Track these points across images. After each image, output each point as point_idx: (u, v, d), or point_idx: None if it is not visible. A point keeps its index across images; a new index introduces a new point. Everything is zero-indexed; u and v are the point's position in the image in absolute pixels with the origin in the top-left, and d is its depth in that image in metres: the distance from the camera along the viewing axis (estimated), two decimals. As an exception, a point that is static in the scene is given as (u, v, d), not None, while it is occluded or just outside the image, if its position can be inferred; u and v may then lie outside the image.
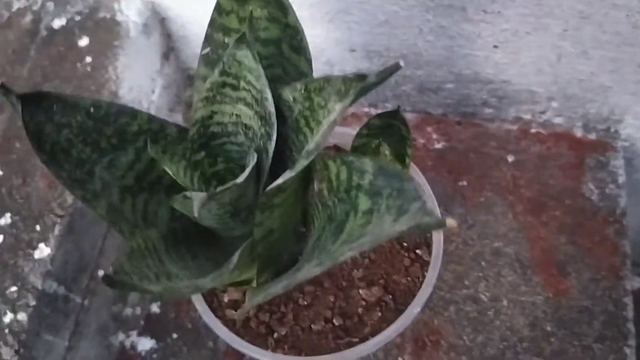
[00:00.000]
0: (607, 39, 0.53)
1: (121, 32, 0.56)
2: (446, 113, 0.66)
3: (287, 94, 0.35)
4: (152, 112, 0.60)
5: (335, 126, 0.31)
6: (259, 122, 0.37)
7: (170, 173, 0.37)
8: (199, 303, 0.45)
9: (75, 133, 0.35)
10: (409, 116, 0.66)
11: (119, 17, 0.56)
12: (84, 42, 0.55)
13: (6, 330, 0.44)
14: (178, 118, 0.67)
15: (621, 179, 0.63)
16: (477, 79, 0.60)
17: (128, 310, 0.58)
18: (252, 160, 0.33)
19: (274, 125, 0.36)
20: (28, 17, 0.59)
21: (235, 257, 0.33)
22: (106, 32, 0.56)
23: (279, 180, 0.32)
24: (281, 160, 0.38)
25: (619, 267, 0.59)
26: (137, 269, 0.32)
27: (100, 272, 0.27)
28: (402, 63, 0.29)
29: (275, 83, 0.38)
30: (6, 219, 0.48)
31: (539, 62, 0.57)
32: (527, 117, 0.64)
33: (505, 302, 0.57)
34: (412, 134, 0.63)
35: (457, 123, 0.66)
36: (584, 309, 0.57)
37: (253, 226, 0.34)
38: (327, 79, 0.33)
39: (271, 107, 0.35)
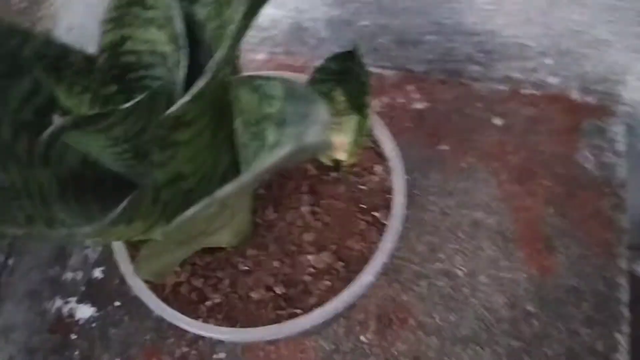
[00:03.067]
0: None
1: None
2: (429, 71, 0.60)
3: (199, 11, 0.30)
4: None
5: (242, 38, 0.26)
6: (172, 47, 0.31)
7: (67, 107, 0.31)
8: (122, 263, 0.40)
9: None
10: (388, 73, 0.60)
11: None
12: (20, -24, 0.50)
13: None
14: None
15: (621, 147, 0.56)
16: (460, 29, 0.54)
17: (68, 275, 0.53)
18: (140, 98, 0.27)
19: (185, 49, 0.30)
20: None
21: (121, 206, 0.27)
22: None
23: (174, 108, 0.26)
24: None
25: (614, 243, 0.52)
26: (2, 208, 0.26)
27: None
28: None
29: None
30: None
31: (527, 10, 0.50)
32: (518, 75, 0.58)
33: (482, 278, 0.51)
34: (391, 93, 0.57)
35: (441, 82, 0.60)
36: (571, 289, 0.51)
37: (151, 167, 0.29)
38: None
39: (179, 27, 0.30)
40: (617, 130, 0.57)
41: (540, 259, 0.52)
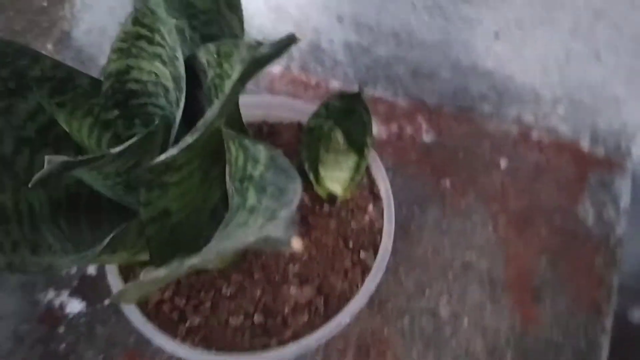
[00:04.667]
0: (624, 43, 0.46)
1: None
2: (441, 104, 0.59)
3: (202, 55, 0.30)
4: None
5: (236, 99, 0.26)
6: (173, 85, 0.32)
7: (68, 130, 0.32)
8: (110, 275, 0.41)
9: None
10: (400, 102, 0.60)
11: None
12: (45, -27, 0.51)
13: None
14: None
15: (623, 204, 0.56)
16: (476, 69, 0.54)
17: (63, 268, 0.54)
18: (132, 140, 0.28)
19: (183, 91, 0.30)
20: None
21: (106, 240, 0.28)
22: (71, -35, 0.51)
23: (162, 157, 0.27)
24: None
25: (601, 302, 0.52)
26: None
27: None
28: (300, 37, 0.23)
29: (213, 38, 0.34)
30: None
31: (545, 60, 0.50)
32: (530, 119, 0.57)
33: (465, 322, 0.52)
34: (401, 122, 0.57)
35: (452, 116, 0.60)
36: (552, 343, 0.51)
37: (139, 205, 0.29)
38: (237, 44, 0.27)
39: (181, 69, 0.30)
40: (623, 185, 0.57)
41: (525, 309, 0.52)
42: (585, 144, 0.58)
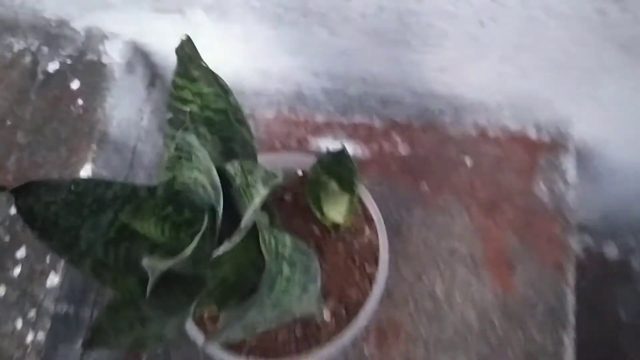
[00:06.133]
0: (543, 64, 0.58)
1: (107, 74, 0.63)
2: (410, 122, 0.72)
3: (229, 169, 0.43)
4: (142, 136, 0.68)
5: (260, 205, 0.39)
6: (210, 187, 0.44)
7: (138, 229, 0.45)
8: (189, 326, 0.54)
9: (60, 207, 0.43)
10: (377, 124, 0.73)
11: (104, 59, 0.63)
12: (75, 85, 0.63)
13: (28, 350, 0.53)
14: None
15: (571, 178, 0.69)
16: (432, 94, 0.66)
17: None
18: (196, 239, 0.40)
19: (220, 192, 0.43)
20: (27, 58, 0.66)
21: (191, 309, 0.41)
22: (94, 75, 0.63)
23: (219, 252, 0.39)
24: (235, 212, 0.45)
25: (563, 261, 0.66)
26: (113, 323, 0.40)
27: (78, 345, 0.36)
28: (280, 177, 0.35)
29: (227, 143, 0.46)
30: (22, 252, 0.57)
31: (484, 82, 0.62)
32: (484, 122, 0.70)
33: (458, 298, 0.65)
34: (380, 140, 0.70)
35: (421, 129, 0.72)
36: (528, 302, 0.64)
37: (201, 285, 0.42)
38: (255, 165, 0.40)
39: (216, 179, 0.43)
40: (568, 163, 0.69)
41: (503, 279, 0.65)
42: (532, 134, 0.70)
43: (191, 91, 0.47)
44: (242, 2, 0.55)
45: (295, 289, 0.36)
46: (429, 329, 0.64)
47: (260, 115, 0.75)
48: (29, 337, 0.55)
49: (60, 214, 0.43)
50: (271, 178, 0.37)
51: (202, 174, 0.45)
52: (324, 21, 0.55)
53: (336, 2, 0.53)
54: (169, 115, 0.48)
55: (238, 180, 0.42)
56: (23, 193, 0.41)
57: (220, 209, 0.43)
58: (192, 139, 0.42)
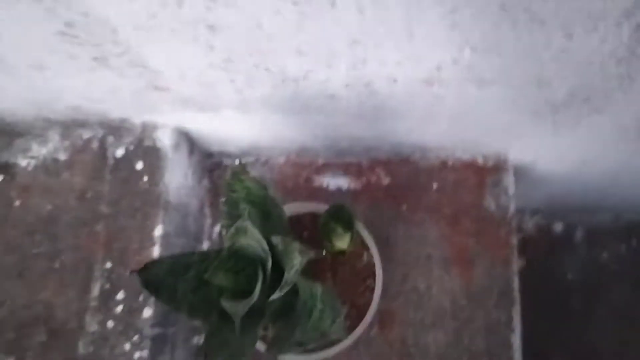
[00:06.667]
0: (480, 122, 0.80)
1: (162, 156, 0.84)
2: (389, 158, 0.94)
3: (273, 239, 0.65)
4: (189, 192, 0.90)
5: (300, 268, 0.62)
6: (261, 250, 0.67)
7: (211, 280, 0.68)
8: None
9: (164, 274, 0.66)
10: (364, 163, 0.95)
11: (158, 144, 0.85)
12: (139, 166, 0.84)
13: (138, 363, 0.77)
14: (205, 182, 0.96)
15: (510, 191, 0.92)
16: (404, 144, 0.88)
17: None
18: (257, 288, 0.63)
19: (269, 253, 0.66)
20: (95, 144, 0.88)
21: (259, 330, 0.64)
22: (153, 157, 0.85)
23: (273, 297, 0.62)
24: (279, 268, 0.68)
25: (509, 256, 0.89)
26: (211, 346, 0.64)
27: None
28: (312, 255, 0.58)
29: (266, 215, 0.69)
30: (121, 294, 0.80)
31: (441, 133, 0.85)
32: (444, 156, 0.93)
33: (435, 289, 0.89)
34: (367, 175, 0.93)
35: (397, 163, 0.95)
36: (486, 288, 0.88)
37: (262, 315, 0.66)
38: (292, 241, 0.63)
39: (265, 245, 0.65)
40: (508, 180, 0.93)
41: (466, 273, 0.89)
42: (480, 162, 0.93)
43: (240, 186, 0.69)
44: (260, 104, 0.77)
45: (328, 320, 0.59)
46: (416, 314, 0.88)
47: (274, 162, 0.98)
48: (137, 355, 0.78)
49: (164, 278, 0.66)
50: (307, 253, 0.60)
51: (254, 241, 0.68)
52: (321, 112, 0.77)
53: (329, 101, 0.75)
54: (225, 207, 0.71)
55: (280, 247, 0.65)
56: (142, 270, 0.64)
57: (269, 264, 0.67)
58: (248, 223, 0.65)
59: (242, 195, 0.70)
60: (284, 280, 0.62)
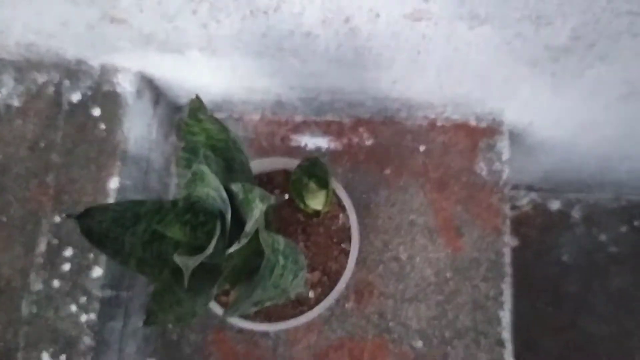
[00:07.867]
0: (471, 76, 0.73)
1: (122, 102, 0.76)
2: (373, 118, 0.87)
3: (233, 188, 0.58)
4: (153, 146, 0.82)
5: (261, 216, 0.54)
6: (219, 200, 0.59)
7: (166, 233, 0.60)
8: (212, 304, 0.70)
9: (108, 223, 0.58)
10: (345, 121, 0.87)
11: (118, 89, 0.77)
12: (96, 112, 0.77)
13: (85, 327, 0.69)
14: (172, 139, 0.89)
15: (505, 157, 0.84)
16: (388, 98, 0.81)
17: (158, 290, 0.83)
18: (213, 241, 0.56)
19: (228, 203, 0.58)
20: (50, 89, 0.80)
21: (213, 290, 0.57)
22: (111, 103, 0.77)
23: (231, 249, 0.55)
24: (239, 218, 0.61)
25: (500, 225, 0.82)
26: (159, 306, 0.56)
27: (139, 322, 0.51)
28: (274, 200, 0.50)
29: (228, 163, 0.61)
30: (69, 251, 0.72)
31: (428, 89, 0.77)
32: (432, 115, 0.85)
33: (418, 260, 0.82)
34: (349, 135, 0.85)
35: (382, 123, 0.87)
36: (474, 259, 0.81)
37: (219, 273, 0.58)
38: (253, 187, 0.55)
39: (224, 194, 0.58)
40: (503, 144, 0.85)
41: (453, 242, 0.82)
42: (473, 123, 0.85)
43: (199, 127, 0.61)
44: (228, 44, 0.69)
45: (289, 274, 0.52)
46: (396, 286, 0.81)
47: (248, 119, 0.90)
48: (83, 318, 0.70)
49: (110, 228, 0.59)
50: (268, 198, 0.52)
51: (213, 190, 0.60)
52: (296, 54, 0.70)
53: (304, 41, 0.67)
54: (183, 143, 0.63)
55: (240, 196, 0.58)
56: (83, 216, 0.56)
57: (228, 216, 0.59)
58: (205, 168, 0.57)
59: (201, 139, 0.62)
60: (244, 231, 0.54)
